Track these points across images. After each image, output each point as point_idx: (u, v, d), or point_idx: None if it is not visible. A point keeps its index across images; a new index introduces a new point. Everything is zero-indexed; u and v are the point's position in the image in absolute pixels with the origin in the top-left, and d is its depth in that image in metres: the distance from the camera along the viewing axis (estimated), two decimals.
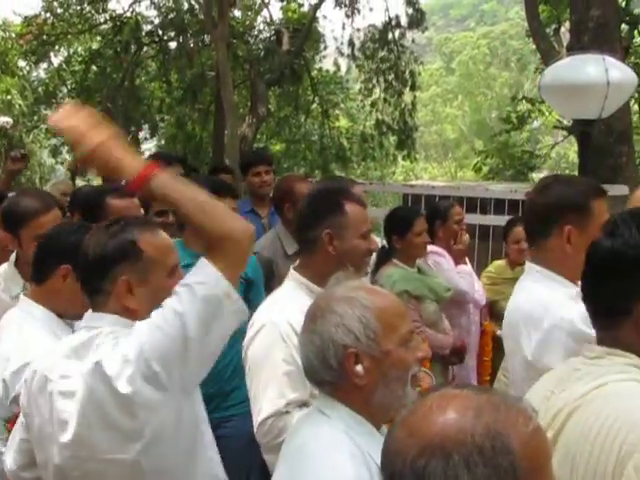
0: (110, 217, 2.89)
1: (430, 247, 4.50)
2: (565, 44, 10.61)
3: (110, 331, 1.82)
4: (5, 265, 2.96)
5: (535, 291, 2.26)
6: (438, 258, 4.39)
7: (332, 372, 1.63)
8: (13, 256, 2.90)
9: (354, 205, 2.48)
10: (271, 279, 3.54)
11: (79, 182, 19.91)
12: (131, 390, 1.68)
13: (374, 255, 3.28)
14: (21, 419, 1.93)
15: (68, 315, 2.43)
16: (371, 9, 18.02)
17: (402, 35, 17.39)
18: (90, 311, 1.93)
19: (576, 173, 9.17)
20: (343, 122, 22.02)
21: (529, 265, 2.38)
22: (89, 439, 1.76)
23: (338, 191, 2.60)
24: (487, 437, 1.00)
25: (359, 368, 1.61)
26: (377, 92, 17.98)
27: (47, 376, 1.83)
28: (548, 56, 9.49)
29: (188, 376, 1.73)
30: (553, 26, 13.05)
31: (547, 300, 2.19)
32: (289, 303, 2.31)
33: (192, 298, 1.68)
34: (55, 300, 2.37)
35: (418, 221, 3.99)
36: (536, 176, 14.60)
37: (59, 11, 18.31)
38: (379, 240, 4.01)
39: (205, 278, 1.70)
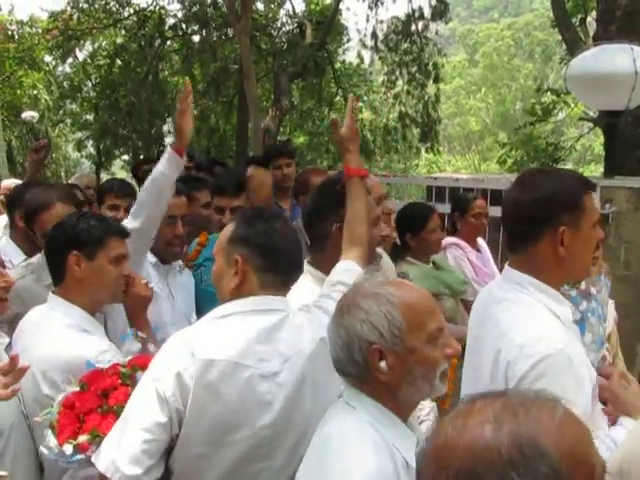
0: None
1: (451, 239, 4.48)
2: (591, 34, 10.48)
3: (296, 311, 1.99)
4: (3, 239, 3.14)
5: (528, 315, 1.97)
6: (457, 252, 4.37)
7: (357, 366, 1.64)
8: (7, 232, 3.23)
9: None
10: None
11: (104, 175, 20.14)
12: None
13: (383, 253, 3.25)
14: (155, 420, 1.77)
15: (104, 302, 2.47)
16: (394, 0, 17.92)
17: (425, 27, 17.29)
18: (274, 297, 1.94)
19: (601, 166, 9.07)
20: (366, 114, 21.96)
21: (513, 273, 2.06)
22: (292, 416, 1.85)
23: (341, 182, 2.51)
24: (514, 447, 0.93)
25: (383, 364, 1.61)
26: (400, 84, 17.92)
27: (238, 362, 1.81)
28: (574, 46, 9.39)
29: None
30: (579, 16, 12.90)
31: (542, 330, 1.91)
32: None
33: None
34: (81, 293, 2.37)
35: (432, 218, 3.89)
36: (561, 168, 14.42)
37: (84, 6, 18.44)
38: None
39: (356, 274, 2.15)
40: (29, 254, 3.30)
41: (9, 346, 2.40)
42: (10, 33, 19.61)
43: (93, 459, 1.81)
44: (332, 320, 1.72)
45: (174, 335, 1.92)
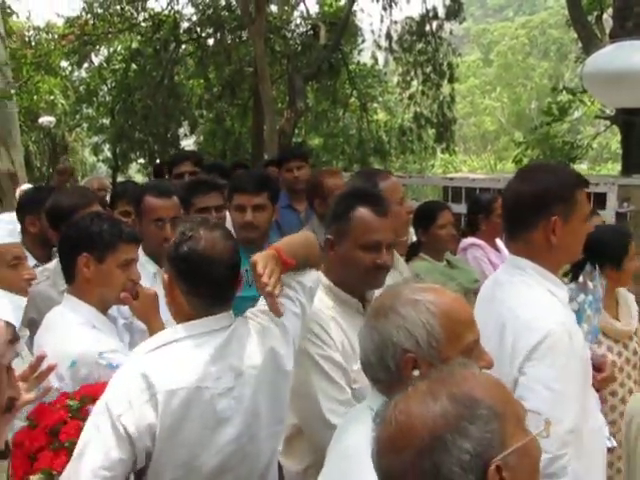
0: (148, 213, 3.15)
1: (471, 240, 4.47)
2: (608, 31, 10.39)
3: (242, 320, 2.03)
4: None
5: (533, 295, 2.16)
6: (478, 252, 4.36)
7: (388, 373, 1.59)
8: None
9: (364, 212, 2.29)
10: None
11: (120, 179, 20.24)
12: (292, 367, 2.06)
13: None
14: (116, 457, 1.75)
15: (112, 304, 2.48)
16: (408, 1, 17.87)
17: (440, 27, 17.23)
18: (218, 316, 1.96)
19: (619, 164, 8.99)
20: (381, 115, 21.93)
21: (515, 259, 2.25)
22: (252, 427, 1.91)
23: (359, 194, 2.41)
24: (457, 404, 1.10)
25: (416, 373, 1.55)
26: (415, 85, 17.87)
27: (199, 386, 1.85)
28: (590, 44, 9.31)
29: None
30: (595, 13, 12.77)
31: (547, 307, 2.12)
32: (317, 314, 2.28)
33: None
34: (91, 293, 2.40)
35: (442, 214, 3.98)
36: (577, 167, 14.33)
37: (99, 11, 18.55)
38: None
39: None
40: (40, 260, 3.32)
41: (29, 339, 2.46)
42: (27, 39, 19.79)
43: None
44: (366, 323, 1.67)
45: (127, 365, 1.91)
